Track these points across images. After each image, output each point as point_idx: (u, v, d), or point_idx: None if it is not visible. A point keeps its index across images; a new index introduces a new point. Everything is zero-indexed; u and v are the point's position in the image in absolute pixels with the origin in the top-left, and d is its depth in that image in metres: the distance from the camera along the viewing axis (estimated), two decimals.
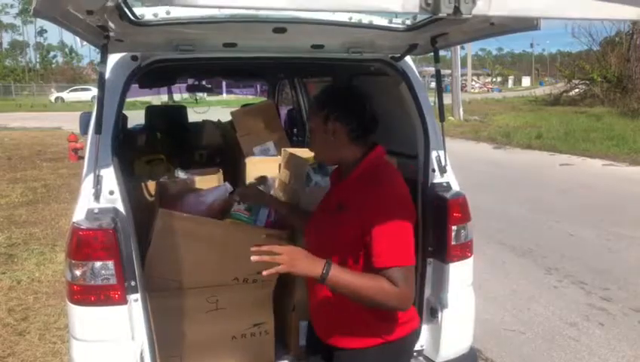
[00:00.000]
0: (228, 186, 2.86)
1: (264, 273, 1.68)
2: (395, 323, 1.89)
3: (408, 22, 2.24)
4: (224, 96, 19.07)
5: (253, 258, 1.67)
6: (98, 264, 2.05)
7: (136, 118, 5.44)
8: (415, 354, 2.60)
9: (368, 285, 1.70)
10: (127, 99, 2.46)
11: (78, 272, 2.06)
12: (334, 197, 1.94)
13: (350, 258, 1.82)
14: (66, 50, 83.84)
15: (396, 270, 1.70)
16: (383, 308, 1.78)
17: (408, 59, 2.71)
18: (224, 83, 9.77)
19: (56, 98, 47.26)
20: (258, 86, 8.87)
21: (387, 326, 1.89)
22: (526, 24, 1.91)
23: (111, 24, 1.88)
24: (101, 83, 2.09)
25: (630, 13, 1.47)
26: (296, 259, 1.68)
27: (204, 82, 6.12)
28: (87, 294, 2.08)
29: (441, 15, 1.19)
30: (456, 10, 1.19)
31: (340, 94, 1.99)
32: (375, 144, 1.96)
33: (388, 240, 1.72)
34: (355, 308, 1.81)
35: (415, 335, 2.04)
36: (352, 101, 1.92)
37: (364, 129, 1.90)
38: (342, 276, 1.69)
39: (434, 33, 2.23)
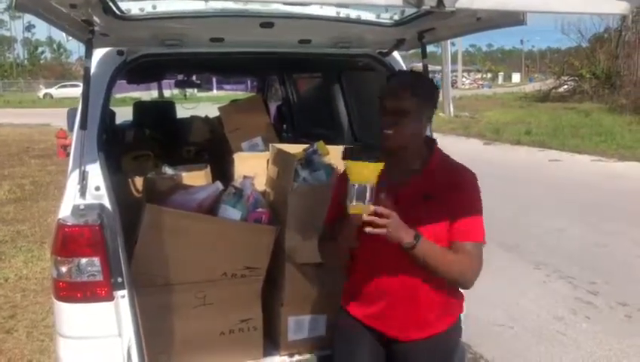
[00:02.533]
0: (219, 184, 2.85)
1: (368, 230, 1.66)
2: (462, 297, 2.03)
3: (396, 17, 2.24)
4: (214, 92, 19.02)
5: (366, 217, 1.64)
6: (84, 260, 2.04)
7: (125, 114, 5.40)
8: None
9: (451, 256, 1.81)
10: (117, 95, 2.45)
11: (64, 269, 2.05)
12: (417, 188, 1.86)
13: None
14: (54, 45, 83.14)
15: (478, 246, 1.84)
16: (453, 281, 1.88)
17: (396, 54, 2.71)
18: (214, 79, 9.73)
19: (45, 94, 46.89)
20: (249, 82, 8.85)
21: (459, 302, 2.02)
22: (512, 19, 1.92)
23: (95, 18, 1.87)
24: (86, 78, 2.07)
25: (618, 7, 1.48)
26: (397, 224, 1.69)
27: (193, 78, 6.09)
28: (74, 291, 2.07)
29: (424, 8, 1.19)
30: (440, 3, 1.19)
31: (425, 79, 1.99)
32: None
33: (474, 218, 1.86)
34: (433, 293, 1.88)
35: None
36: (434, 88, 1.95)
37: (432, 117, 1.95)
38: (429, 245, 1.76)
39: (421, 28, 2.24)
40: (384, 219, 1.65)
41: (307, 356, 2.66)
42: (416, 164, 1.91)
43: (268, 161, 3.23)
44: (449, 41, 23.76)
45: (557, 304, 4.53)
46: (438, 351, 1.96)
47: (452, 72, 33.79)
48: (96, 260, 2.04)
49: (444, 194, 1.83)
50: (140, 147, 4.19)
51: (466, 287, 1.91)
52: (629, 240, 6.15)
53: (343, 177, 1.83)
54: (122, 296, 2.11)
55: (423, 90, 1.86)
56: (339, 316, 2.10)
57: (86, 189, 2.07)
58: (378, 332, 1.97)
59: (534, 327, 4.13)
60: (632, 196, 8.32)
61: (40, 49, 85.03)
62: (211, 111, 5.44)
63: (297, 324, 2.68)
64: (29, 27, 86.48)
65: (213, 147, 4.64)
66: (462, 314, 2.05)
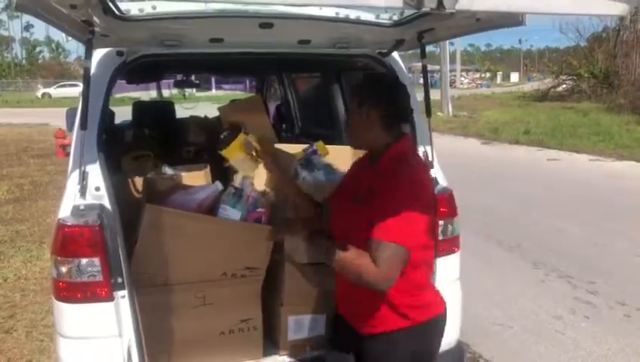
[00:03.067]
0: (218, 185, 2.85)
1: None
2: (420, 306, 1.97)
3: (395, 17, 2.25)
4: (213, 91, 19.03)
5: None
6: (84, 261, 2.04)
7: (125, 114, 5.40)
8: None
9: (362, 260, 1.77)
10: (116, 95, 2.45)
11: (64, 269, 2.05)
12: (364, 182, 1.97)
13: None
14: (53, 45, 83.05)
15: (385, 246, 1.74)
16: (363, 284, 1.81)
17: (395, 54, 2.72)
18: (213, 79, 9.73)
19: (43, 94, 46.80)
20: (247, 82, 8.85)
21: (413, 309, 1.96)
22: (511, 19, 1.92)
23: (95, 19, 1.87)
24: (86, 78, 2.07)
25: (616, 8, 1.49)
26: (294, 246, 1.88)
27: (192, 78, 6.08)
28: (74, 291, 2.07)
29: (424, 10, 1.20)
30: (440, 4, 1.20)
31: (374, 81, 2.09)
32: (404, 134, 2.05)
33: (391, 218, 1.77)
34: (380, 294, 1.88)
35: (441, 320, 2.07)
36: (384, 88, 2.00)
37: (395, 116, 1.98)
38: (342, 261, 1.84)
39: (420, 29, 2.24)
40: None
41: (307, 355, 2.67)
42: (375, 160, 2.00)
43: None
44: (447, 41, 23.76)
45: (556, 303, 4.54)
46: (383, 349, 1.98)
47: (451, 71, 33.82)
48: (96, 260, 2.05)
49: (388, 192, 1.83)
50: (140, 147, 4.18)
51: (380, 290, 1.83)
52: (628, 239, 6.16)
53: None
54: (122, 296, 2.12)
55: (371, 93, 1.96)
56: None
57: (86, 189, 2.08)
58: (352, 327, 2.07)
59: (533, 327, 4.14)
60: (630, 195, 8.34)
61: (38, 49, 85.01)
62: (210, 111, 5.45)
63: (297, 324, 2.69)
64: (27, 27, 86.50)
65: (212, 147, 4.63)
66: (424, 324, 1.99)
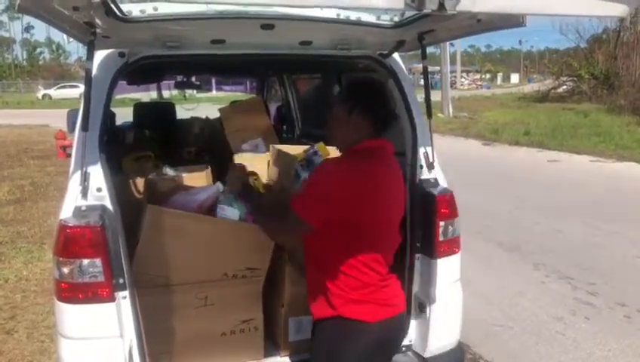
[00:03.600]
0: (219, 185, 2.85)
1: None
2: (351, 301, 2.03)
3: (396, 19, 2.25)
4: (214, 92, 19.04)
5: None
6: (86, 261, 2.05)
7: (125, 115, 5.41)
8: (404, 349, 2.62)
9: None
10: (117, 97, 2.46)
11: (65, 270, 2.05)
12: None
13: None
14: (53, 46, 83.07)
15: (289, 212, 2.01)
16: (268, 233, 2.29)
17: (396, 55, 2.72)
18: (213, 80, 9.72)
19: (44, 95, 46.84)
20: (248, 83, 8.85)
21: (341, 302, 2.03)
22: (512, 21, 1.93)
23: (97, 20, 1.87)
24: (88, 80, 2.08)
25: (616, 10, 1.49)
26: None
27: (192, 79, 6.09)
28: (75, 292, 2.08)
29: (425, 11, 1.20)
30: (441, 6, 1.20)
31: (365, 88, 2.14)
32: (380, 138, 2.10)
33: (301, 193, 2.09)
34: (321, 281, 2.07)
35: (370, 328, 2.04)
36: (374, 94, 2.09)
37: (384, 120, 2.07)
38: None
39: (421, 30, 2.25)
40: None
41: (308, 356, 2.67)
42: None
43: (268, 161, 3.24)
44: (448, 42, 23.78)
45: (556, 304, 4.54)
46: (313, 334, 2.21)
47: (451, 72, 33.82)
48: (97, 261, 2.05)
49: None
50: (141, 148, 4.20)
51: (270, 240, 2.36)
52: (628, 240, 6.17)
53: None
54: (124, 297, 2.12)
55: (362, 100, 2.05)
56: None
57: (87, 190, 2.08)
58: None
59: (534, 328, 4.14)
60: (630, 196, 8.34)
61: (39, 50, 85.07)
62: (211, 112, 5.46)
63: (298, 325, 2.69)
64: (27, 28, 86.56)
65: (213, 148, 4.65)
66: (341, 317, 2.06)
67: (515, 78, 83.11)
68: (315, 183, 2.06)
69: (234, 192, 2.55)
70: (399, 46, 2.53)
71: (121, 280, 2.11)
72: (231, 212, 2.53)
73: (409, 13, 2.07)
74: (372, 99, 2.06)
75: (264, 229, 2.29)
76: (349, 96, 2.12)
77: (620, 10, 1.49)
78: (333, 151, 2.92)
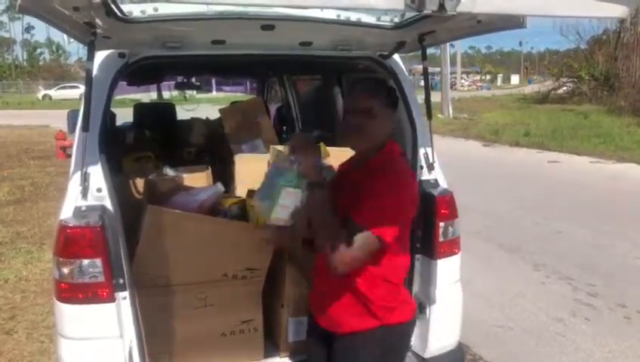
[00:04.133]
0: (219, 186, 2.85)
1: None
2: (392, 309, 1.99)
3: (396, 19, 2.25)
4: (214, 93, 19.04)
5: None
6: (86, 262, 2.05)
7: (125, 115, 5.41)
8: None
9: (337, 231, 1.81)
10: (117, 97, 2.45)
11: (65, 270, 2.06)
12: (352, 178, 2.00)
13: None
14: (54, 47, 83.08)
15: (365, 233, 1.79)
16: (328, 258, 1.83)
17: (396, 56, 2.72)
18: (213, 80, 9.73)
19: (44, 95, 46.83)
20: (248, 83, 8.86)
21: (385, 311, 1.97)
22: (512, 22, 1.93)
23: (98, 21, 1.88)
24: (88, 80, 2.08)
25: (615, 11, 1.49)
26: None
27: (193, 79, 6.09)
28: (75, 292, 2.08)
29: (426, 12, 1.20)
30: (441, 7, 1.20)
31: (387, 86, 2.17)
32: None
33: (378, 209, 1.81)
34: (356, 292, 1.94)
35: (410, 326, 2.12)
36: (394, 93, 2.09)
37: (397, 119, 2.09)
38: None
39: (421, 31, 2.25)
40: None
41: (307, 357, 2.67)
42: (365, 158, 2.01)
43: (268, 162, 3.23)
44: (448, 43, 23.78)
45: (556, 305, 4.54)
46: (350, 347, 2.02)
47: (451, 73, 33.86)
48: (97, 261, 2.06)
49: (373, 191, 1.85)
50: (141, 148, 4.19)
51: (335, 273, 1.84)
52: (628, 241, 6.16)
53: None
54: (124, 298, 2.12)
55: (391, 97, 2.01)
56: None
57: (88, 191, 2.09)
58: (322, 328, 2.09)
59: (533, 328, 4.14)
60: (630, 197, 8.34)
61: (39, 50, 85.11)
62: (211, 112, 5.46)
63: (298, 325, 2.69)
64: (28, 28, 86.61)
65: (213, 148, 4.65)
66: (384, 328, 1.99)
67: (515, 79, 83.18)
68: (397, 193, 1.86)
69: (307, 177, 1.85)
70: (399, 47, 2.53)
71: (121, 281, 2.11)
72: (294, 197, 1.90)
73: (409, 14, 2.07)
74: (396, 98, 2.06)
75: (338, 254, 1.80)
76: (389, 90, 2.06)
77: (620, 11, 1.50)
78: (333, 152, 2.92)
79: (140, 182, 3.11)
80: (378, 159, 1.97)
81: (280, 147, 3.26)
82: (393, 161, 1.97)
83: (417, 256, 2.59)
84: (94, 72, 2.21)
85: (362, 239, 1.80)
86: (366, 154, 2.01)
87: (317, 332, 2.14)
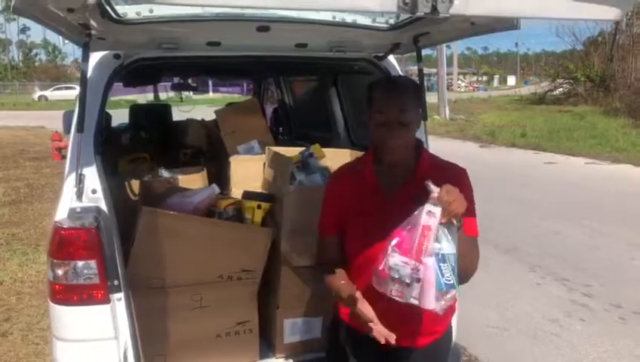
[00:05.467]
0: (215, 188, 2.85)
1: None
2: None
3: (391, 21, 2.26)
4: (210, 94, 19.03)
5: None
6: (80, 263, 2.04)
7: (121, 116, 5.40)
8: None
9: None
10: (112, 98, 2.45)
11: (60, 271, 2.05)
12: (412, 190, 1.77)
13: None
14: (50, 48, 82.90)
15: (475, 240, 1.87)
16: (465, 271, 1.78)
17: (392, 58, 2.73)
18: (210, 82, 9.71)
19: (40, 96, 46.72)
20: (244, 85, 8.86)
21: (450, 314, 1.97)
22: (506, 23, 1.94)
23: (93, 22, 1.88)
24: (83, 81, 2.08)
25: (609, 13, 1.50)
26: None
27: (189, 81, 6.09)
28: (70, 293, 2.07)
29: (418, 14, 1.21)
30: (434, 9, 1.21)
31: (418, 86, 2.03)
32: None
33: (470, 213, 1.82)
34: None
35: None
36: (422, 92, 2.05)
37: None
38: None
39: (416, 32, 2.26)
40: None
41: (302, 358, 2.67)
42: (408, 167, 1.89)
43: (264, 163, 3.24)
44: (444, 44, 23.83)
45: (552, 306, 4.55)
46: (433, 357, 1.97)
47: (448, 74, 33.90)
48: (92, 263, 2.05)
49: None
50: (137, 150, 4.19)
51: (467, 280, 1.82)
52: (624, 242, 6.19)
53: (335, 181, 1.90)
54: (118, 299, 2.12)
55: (418, 98, 1.91)
56: (342, 327, 2.02)
57: (82, 192, 2.08)
58: (377, 342, 1.82)
59: (529, 329, 4.15)
60: (625, 198, 8.37)
61: (35, 51, 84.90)
62: (207, 113, 5.45)
63: (293, 326, 2.69)
64: (23, 29, 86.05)
65: (209, 150, 4.65)
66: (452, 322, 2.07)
67: (511, 80, 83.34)
68: (470, 187, 1.90)
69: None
70: (395, 48, 2.54)
71: (116, 282, 2.10)
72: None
73: (404, 16, 2.07)
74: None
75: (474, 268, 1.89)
76: (416, 86, 1.95)
77: (614, 13, 1.50)
78: (329, 153, 2.93)
79: (135, 184, 3.11)
80: (425, 161, 1.89)
81: (276, 148, 3.26)
82: (436, 158, 1.94)
83: None
84: (89, 73, 2.21)
85: (475, 244, 1.87)
86: (402, 160, 1.88)
87: (368, 349, 1.89)
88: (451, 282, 1.58)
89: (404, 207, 1.70)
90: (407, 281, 1.56)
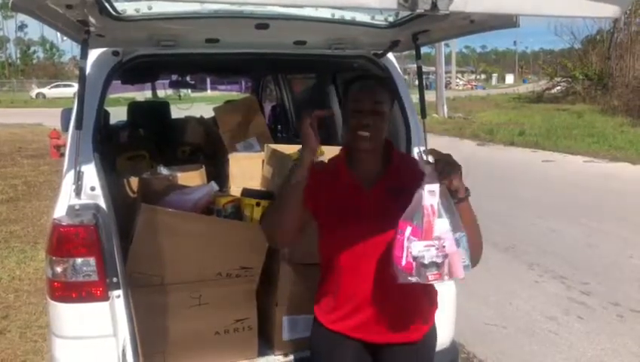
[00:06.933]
0: (214, 185, 2.85)
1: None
2: (437, 306, 2.01)
3: (390, 19, 2.26)
4: (208, 92, 19.00)
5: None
6: (79, 260, 2.04)
7: (119, 114, 5.39)
8: None
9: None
10: (111, 96, 2.45)
11: (59, 269, 2.05)
12: (386, 185, 1.84)
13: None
14: (47, 45, 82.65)
15: None
16: (477, 248, 1.78)
17: (391, 55, 2.73)
18: (208, 79, 9.69)
19: (38, 94, 46.61)
20: (243, 82, 8.84)
21: (434, 310, 2.00)
22: (505, 21, 1.94)
23: (91, 19, 1.87)
24: (82, 78, 2.08)
25: (608, 10, 1.50)
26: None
27: (187, 78, 6.08)
28: (69, 291, 2.07)
29: (418, 11, 1.21)
30: (434, 6, 1.21)
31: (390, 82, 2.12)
32: None
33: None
34: (419, 297, 1.90)
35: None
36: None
37: None
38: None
39: (415, 30, 2.26)
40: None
41: (301, 355, 2.67)
42: (379, 162, 1.90)
43: (263, 161, 3.24)
44: (443, 43, 23.87)
45: (550, 304, 4.56)
46: (420, 355, 1.97)
47: (446, 73, 33.86)
48: (91, 260, 2.05)
49: (415, 185, 1.67)
50: (135, 147, 4.19)
51: (476, 263, 1.77)
52: (621, 240, 6.20)
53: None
54: (117, 296, 2.12)
55: (391, 99, 1.92)
56: (316, 331, 2.00)
57: (81, 189, 2.08)
58: (362, 342, 1.91)
59: (527, 327, 4.16)
60: (623, 197, 8.39)
61: (32, 48, 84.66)
62: (205, 111, 5.45)
63: (292, 324, 2.69)
64: (21, 26, 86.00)
65: (208, 147, 4.64)
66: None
67: (510, 78, 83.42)
68: None
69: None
70: (394, 46, 2.54)
71: (114, 279, 2.10)
72: None
73: (403, 13, 2.07)
74: None
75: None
76: (390, 86, 2.06)
77: (612, 10, 1.50)
78: (328, 151, 2.93)
79: (133, 181, 3.11)
80: (396, 159, 1.92)
81: (274, 145, 3.26)
82: (405, 154, 2.05)
83: None
84: (88, 70, 2.20)
85: None
86: (371, 161, 1.89)
87: (350, 350, 1.92)
88: (465, 246, 1.65)
89: (384, 200, 1.79)
90: (439, 261, 1.60)
